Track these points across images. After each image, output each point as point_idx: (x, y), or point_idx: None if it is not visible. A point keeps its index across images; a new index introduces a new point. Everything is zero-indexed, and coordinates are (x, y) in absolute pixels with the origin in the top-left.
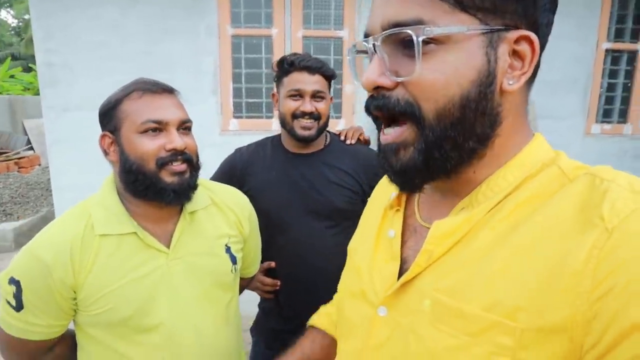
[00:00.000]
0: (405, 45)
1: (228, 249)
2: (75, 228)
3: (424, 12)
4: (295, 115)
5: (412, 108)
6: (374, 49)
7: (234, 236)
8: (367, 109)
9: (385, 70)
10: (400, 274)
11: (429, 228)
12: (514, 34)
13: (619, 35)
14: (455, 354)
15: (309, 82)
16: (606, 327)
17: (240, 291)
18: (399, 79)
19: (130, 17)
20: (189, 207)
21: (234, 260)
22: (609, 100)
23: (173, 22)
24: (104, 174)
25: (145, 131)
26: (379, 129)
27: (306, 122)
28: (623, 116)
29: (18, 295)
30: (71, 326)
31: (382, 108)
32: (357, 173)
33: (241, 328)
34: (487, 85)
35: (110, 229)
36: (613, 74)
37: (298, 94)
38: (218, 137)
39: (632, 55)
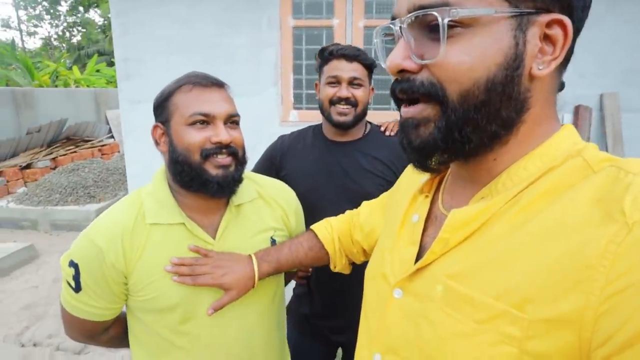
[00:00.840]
0: (431, 29)
1: (273, 242)
2: (127, 216)
3: None
4: (332, 102)
5: (436, 89)
6: (400, 31)
7: (280, 229)
8: (393, 93)
9: (410, 54)
10: (418, 259)
11: (446, 215)
12: (545, 18)
13: None
14: (462, 340)
15: (347, 69)
16: (619, 327)
17: (286, 283)
18: (424, 62)
19: (196, 12)
20: (235, 200)
21: None
22: None
23: (236, 15)
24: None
25: (193, 123)
26: (399, 110)
27: (343, 107)
28: None
29: (77, 278)
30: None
31: (407, 91)
32: (392, 163)
33: (285, 320)
34: (514, 68)
35: (160, 219)
36: None
37: (336, 81)
38: (278, 127)
39: None
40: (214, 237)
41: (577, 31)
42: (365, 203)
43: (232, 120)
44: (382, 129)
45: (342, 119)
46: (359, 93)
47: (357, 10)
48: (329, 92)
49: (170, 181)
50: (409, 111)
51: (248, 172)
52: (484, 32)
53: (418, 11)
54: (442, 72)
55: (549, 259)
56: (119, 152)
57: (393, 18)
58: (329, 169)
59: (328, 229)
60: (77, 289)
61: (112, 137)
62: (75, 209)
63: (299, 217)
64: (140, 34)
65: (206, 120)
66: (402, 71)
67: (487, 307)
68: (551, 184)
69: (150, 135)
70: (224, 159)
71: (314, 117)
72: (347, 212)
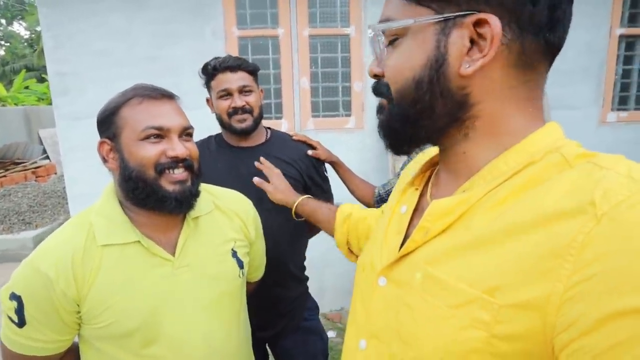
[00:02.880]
0: (386, 38)
1: (234, 254)
2: (76, 239)
3: (391, 10)
4: (229, 113)
5: (387, 89)
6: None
7: (240, 240)
8: (373, 91)
9: (381, 60)
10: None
11: None
12: (470, 18)
13: (632, 20)
14: (436, 324)
15: (234, 79)
16: (582, 313)
17: (247, 295)
18: (382, 69)
19: (136, 23)
20: (192, 213)
21: (241, 264)
22: (625, 88)
23: (178, 26)
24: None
25: (147, 138)
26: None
27: (240, 116)
28: None
29: (20, 311)
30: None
31: (377, 90)
32: (296, 162)
33: (250, 334)
34: (436, 68)
35: (113, 239)
36: (628, 61)
37: (227, 93)
38: None
39: None
40: (173, 254)
41: (535, 27)
42: None
43: (186, 133)
44: (292, 134)
45: (243, 125)
46: (251, 99)
47: (301, 20)
48: (223, 105)
49: (122, 198)
50: (380, 102)
51: (203, 184)
52: (411, 39)
53: (376, 25)
54: (387, 74)
55: (521, 247)
56: (56, 173)
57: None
58: (239, 173)
59: (346, 214)
60: (21, 323)
61: (48, 157)
62: (8, 238)
63: (257, 226)
64: (75, 47)
65: (160, 134)
66: (375, 75)
67: (462, 292)
68: (529, 178)
69: (92, 153)
70: (180, 174)
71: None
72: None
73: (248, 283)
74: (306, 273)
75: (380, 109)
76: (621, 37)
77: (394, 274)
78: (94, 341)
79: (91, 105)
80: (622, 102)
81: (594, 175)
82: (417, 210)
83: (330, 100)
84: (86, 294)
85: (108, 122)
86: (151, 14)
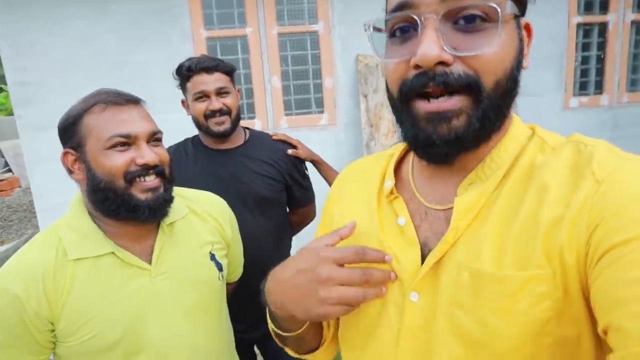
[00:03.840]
0: (466, 20)
1: (213, 257)
2: (45, 255)
3: None
4: (206, 116)
5: (475, 80)
6: (424, 22)
7: (217, 242)
8: (415, 87)
9: (443, 44)
10: (423, 258)
11: (440, 210)
12: (523, 21)
13: (588, 9)
14: (501, 316)
15: (210, 81)
16: (597, 245)
17: (228, 296)
18: (464, 54)
19: (100, 29)
20: (166, 219)
21: (219, 267)
22: (584, 74)
23: (144, 30)
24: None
25: (113, 146)
26: (408, 107)
27: (218, 118)
28: (599, 88)
29: None
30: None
31: (447, 84)
32: (276, 162)
33: (233, 336)
34: (519, 60)
35: (85, 252)
36: (586, 47)
37: (203, 95)
38: None
39: (602, 27)
40: (149, 262)
41: None
42: None
43: (155, 138)
44: (271, 134)
45: (221, 128)
46: (228, 101)
47: (269, 18)
48: (200, 107)
49: (91, 209)
50: (443, 105)
51: (176, 187)
52: (505, 28)
53: (473, 1)
54: (480, 64)
55: (546, 224)
56: (20, 186)
57: (402, 6)
58: (218, 176)
59: None
60: None
61: (10, 170)
62: None
63: (233, 226)
64: (37, 55)
65: (127, 141)
66: (437, 64)
67: (515, 279)
68: (527, 162)
69: (60, 164)
70: (151, 181)
71: None
72: None
73: (228, 283)
74: None
75: (447, 118)
76: (579, 25)
77: (427, 284)
78: (72, 359)
79: (56, 114)
80: (582, 88)
81: (583, 152)
82: (414, 218)
83: (302, 97)
84: (60, 312)
85: (70, 132)
86: (115, 19)
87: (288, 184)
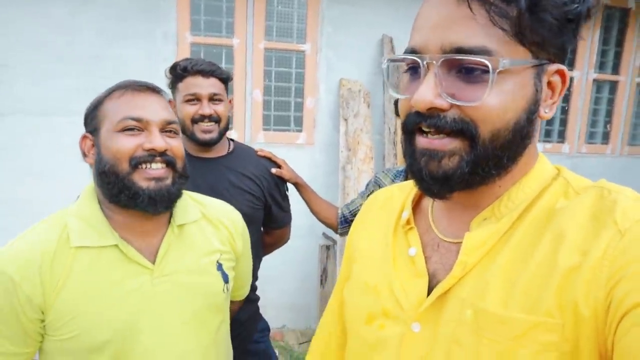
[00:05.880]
0: (467, 71)
1: (220, 266)
2: (47, 239)
3: (489, 41)
4: (194, 120)
5: (469, 127)
6: (427, 67)
7: (226, 252)
8: (410, 125)
9: (440, 91)
10: (430, 289)
11: (452, 242)
12: (553, 67)
13: None
14: (505, 358)
15: (205, 85)
16: (620, 301)
17: (231, 316)
18: (459, 103)
19: (80, 17)
20: (178, 219)
21: (225, 278)
22: (550, 122)
23: (127, 25)
24: (45, 188)
25: (124, 129)
26: (411, 139)
27: (207, 125)
28: (562, 137)
29: None
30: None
31: (438, 127)
32: (258, 179)
33: (232, 354)
34: (532, 112)
35: (88, 241)
36: None
37: (195, 98)
38: None
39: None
40: (153, 261)
41: None
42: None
43: (169, 128)
44: (257, 150)
45: (207, 136)
46: (220, 109)
47: (257, 32)
48: (189, 110)
49: (100, 197)
50: (434, 144)
51: (190, 192)
52: (513, 79)
53: (466, 55)
54: (477, 114)
55: (562, 271)
56: None
57: (413, 51)
58: (196, 185)
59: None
60: None
61: None
62: None
63: (245, 239)
64: (5, 35)
65: (138, 126)
66: (431, 108)
67: (521, 322)
68: (547, 204)
69: (20, 153)
70: (157, 169)
71: None
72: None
73: (231, 302)
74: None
75: (438, 157)
76: None
77: (433, 316)
78: (56, 357)
79: (19, 100)
80: (547, 135)
81: (606, 198)
82: (426, 249)
83: (282, 114)
84: (53, 301)
85: (91, 116)
86: (98, 9)
87: (267, 203)
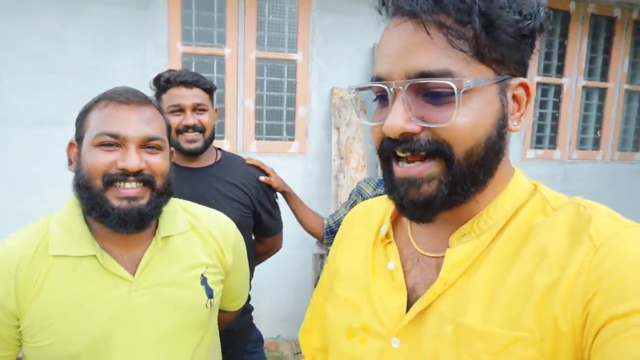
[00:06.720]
0: (433, 94)
1: (204, 280)
2: (27, 245)
3: (451, 63)
4: (179, 131)
5: (442, 148)
6: (394, 93)
7: (213, 266)
8: (385, 151)
9: (410, 116)
10: (409, 304)
11: (432, 257)
12: (515, 81)
13: (547, 70)
14: None
15: (188, 95)
16: (596, 314)
17: (226, 325)
18: (429, 125)
19: (71, 29)
20: (163, 231)
21: (210, 293)
22: (541, 129)
23: (119, 36)
24: (36, 199)
25: (100, 144)
26: (388, 166)
27: (191, 135)
28: (553, 143)
29: None
30: None
31: (413, 150)
32: (246, 187)
33: None
34: (501, 127)
35: (66, 250)
36: (543, 105)
37: (179, 109)
38: None
39: (558, 88)
40: (133, 273)
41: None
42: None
43: (150, 145)
44: (245, 158)
45: (192, 146)
46: (204, 118)
47: (249, 41)
48: (173, 121)
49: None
50: (411, 172)
51: (183, 201)
52: (479, 97)
53: (430, 79)
54: (449, 134)
55: (540, 286)
56: None
57: (379, 79)
58: (183, 195)
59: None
60: None
61: None
62: None
63: (237, 253)
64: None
65: (115, 142)
66: (402, 133)
67: (500, 337)
68: (525, 220)
69: (6, 166)
70: (130, 188)
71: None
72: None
73: (224, 312)
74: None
75: (417, 183)
76: (538, 84)
77: (412, 331)
78: None
79: (8, 111)
80: (538, 142)
81: (582, 214)
82: (406, 263)
83: (274, 123)
84: (27, 308)
85: (79, 123)
86: (89, 20)
87: (257, 211)
